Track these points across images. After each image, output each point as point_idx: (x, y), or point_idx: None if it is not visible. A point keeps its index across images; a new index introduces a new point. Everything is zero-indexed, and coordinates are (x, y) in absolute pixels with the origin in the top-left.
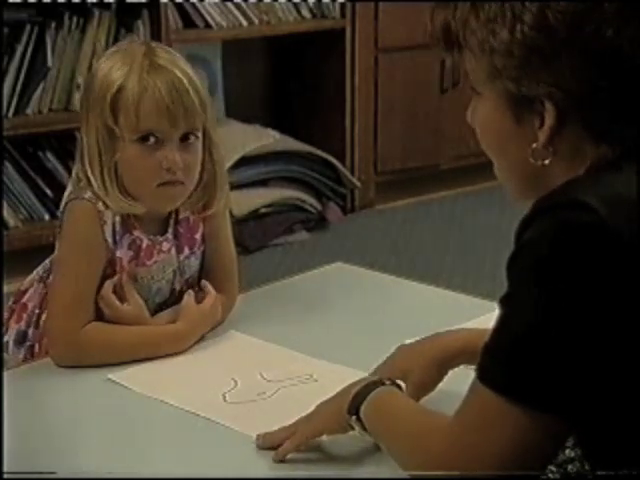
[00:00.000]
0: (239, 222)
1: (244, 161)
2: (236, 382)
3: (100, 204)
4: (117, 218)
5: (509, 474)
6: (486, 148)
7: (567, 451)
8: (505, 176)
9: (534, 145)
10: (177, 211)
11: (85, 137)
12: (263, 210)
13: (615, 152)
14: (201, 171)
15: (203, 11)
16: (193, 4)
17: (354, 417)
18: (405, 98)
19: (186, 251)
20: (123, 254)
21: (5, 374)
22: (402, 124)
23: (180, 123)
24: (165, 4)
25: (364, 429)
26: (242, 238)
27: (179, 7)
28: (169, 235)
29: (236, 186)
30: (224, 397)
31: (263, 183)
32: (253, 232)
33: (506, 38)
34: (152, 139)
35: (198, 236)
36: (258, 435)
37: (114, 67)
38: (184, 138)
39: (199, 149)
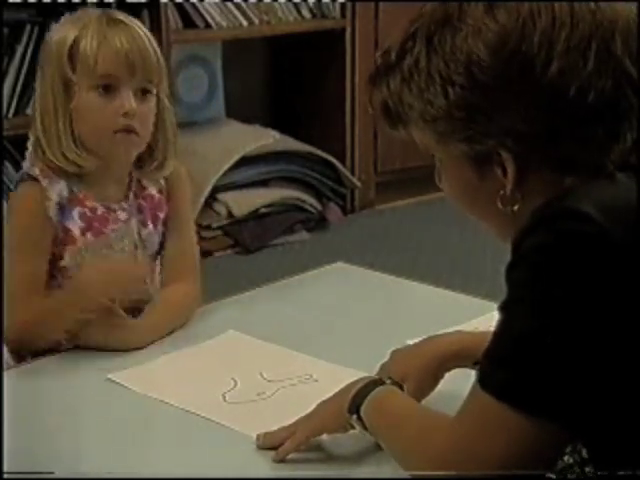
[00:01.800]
0: (239, 222)
1: (244, 161)
2: (236, 382)
3: (46, 182)
4: (64, 193)
5: (510, 474)
6: (460, 208)
7: (566, 457)
8: (486, 226)
9: (501, 192)
10: (141, 184)
11: (39, 95)
12: (263, 210)
13: (583, 180)
14: (154, 132)
15: (203, 11)
16: (193, 4)
17: (354, 416)
18: None
19: (150, 227)
20: (72, 225)
21: (5, 374)
22: None
23: (138, 72)
24: (165, 4)
25: (364, 428)
26: (242, 238)
27: (179, 7)
28: (125, 205)
29: (236, 186)
30: (224, 397)
31: (263, 183)
32: (253, 232)
33: (443, 104)
34: (110, 86)
35: (162, 215)
36: (258, 435)
37: (70, 28)
38: (142, 92)
39: (154, 106)
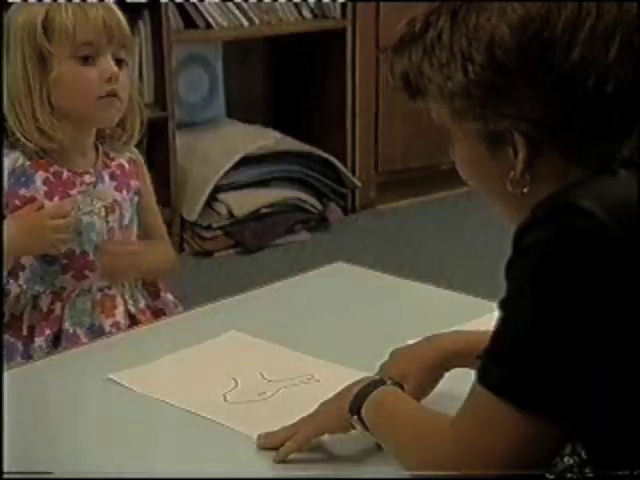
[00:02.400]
0: (240, 222)
1: (245, 161)
2: (237, 382)
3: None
4: (20, 161)
5: (510, 473)
6: (469, 182)
7: (565, 459)
8: (495, 205)
9: (511, 174)
10: (109, 156)
11: (9, 78)
12: (264, 210)
13: (591, 171)
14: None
15: (204, 11)
16: (194, 4)
17: (355, 417)
18: (406, 98)
19: (124, 193)
20: (35, 192)
21: (5, 374)
22: (403, 124)
23: (115, 37)
24: (166, 4)
25: (365, 429)
26: (243, 238)
27: (180, 7)
28: (91, 169)
29: (237, 186)
30: (225, 397)
31: (264, 183)
32: (254, 232)
33: (461, 81)
34: (89, 56)
35: (133, 184)
36: (259, 435)
37: (35, 5)
38: (117, 63)
39: (128, 75)
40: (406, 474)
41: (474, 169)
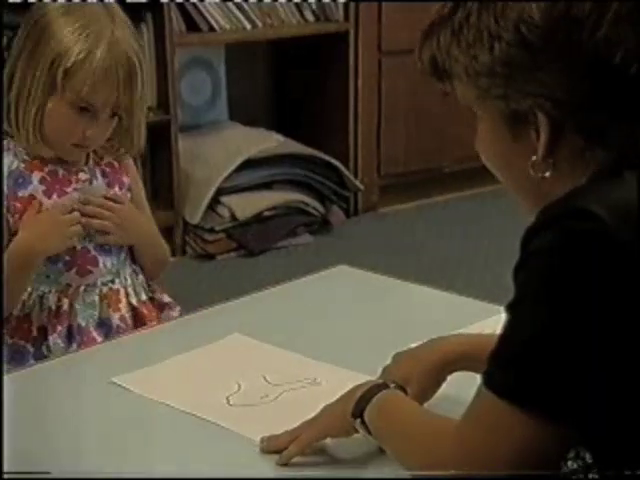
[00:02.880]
0: (243, 225)
1: (248, 164)
2: (240, 385)
3: None
4: (15, 164)
5: (513, 474)
6: (490, 167)
7: (570, 463)
8: (513, 192)
9: (533, 158)
10: (97, 154)
11: (21, 72)
12: (267, 213)
13: (613, 158)
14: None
15: (207, 14)
16: (197, 7)
17: (358, 420)
18: (408, 101)
19: (117, 189)
20: (34, 192)
21: (7, 375)
22: (405, 127)
23: (122, 102)
24: (168, 7)
25: (368, 432)
26: (246, 241)
27: (182, 10)
28: (85, 167)
29: (240, 189)
30: (228, 400)
31: (267, 186)
32: (257, 235)
33: (487, 59)
34: (89, 111)
35: (125, 180)
36: (262, 438)
37: (77, 39)
38: (111, 115)
39: (115, 120)
40: (406, 474)
41: (496, 153)
